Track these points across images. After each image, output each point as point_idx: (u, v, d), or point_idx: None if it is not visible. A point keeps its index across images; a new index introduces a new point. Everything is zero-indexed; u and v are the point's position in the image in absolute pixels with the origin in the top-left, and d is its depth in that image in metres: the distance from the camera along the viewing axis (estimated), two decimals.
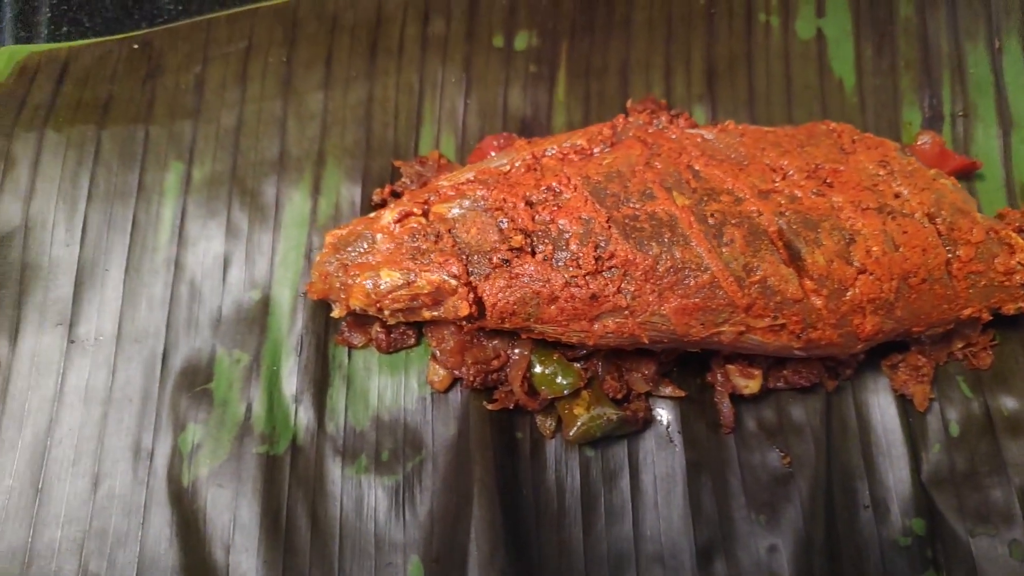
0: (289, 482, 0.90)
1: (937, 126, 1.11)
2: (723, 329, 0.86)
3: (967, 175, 1.07)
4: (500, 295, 0.86)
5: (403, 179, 1.01)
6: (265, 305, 0.98)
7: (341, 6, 1.10)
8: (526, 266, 0.86)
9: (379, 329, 0.96)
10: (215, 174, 1.02)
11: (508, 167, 0.94)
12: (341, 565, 0.88)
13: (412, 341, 0.97)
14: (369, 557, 0.88)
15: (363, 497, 0.91)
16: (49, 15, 1.08)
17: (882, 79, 1.12)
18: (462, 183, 0.93)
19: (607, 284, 0.85)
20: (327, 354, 0.96)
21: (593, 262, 0.85)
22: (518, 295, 0.86)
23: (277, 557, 0.87)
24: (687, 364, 0.97)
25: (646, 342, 0.87)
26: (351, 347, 0.97)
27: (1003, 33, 1.12)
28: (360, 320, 0.97)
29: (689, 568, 0.89)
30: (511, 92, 1.09)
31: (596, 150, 0.95)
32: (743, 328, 0.86)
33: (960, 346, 0.99)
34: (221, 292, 0.98)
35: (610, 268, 0.85)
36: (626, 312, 0.86)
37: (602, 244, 0.85)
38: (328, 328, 0.97)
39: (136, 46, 1.08)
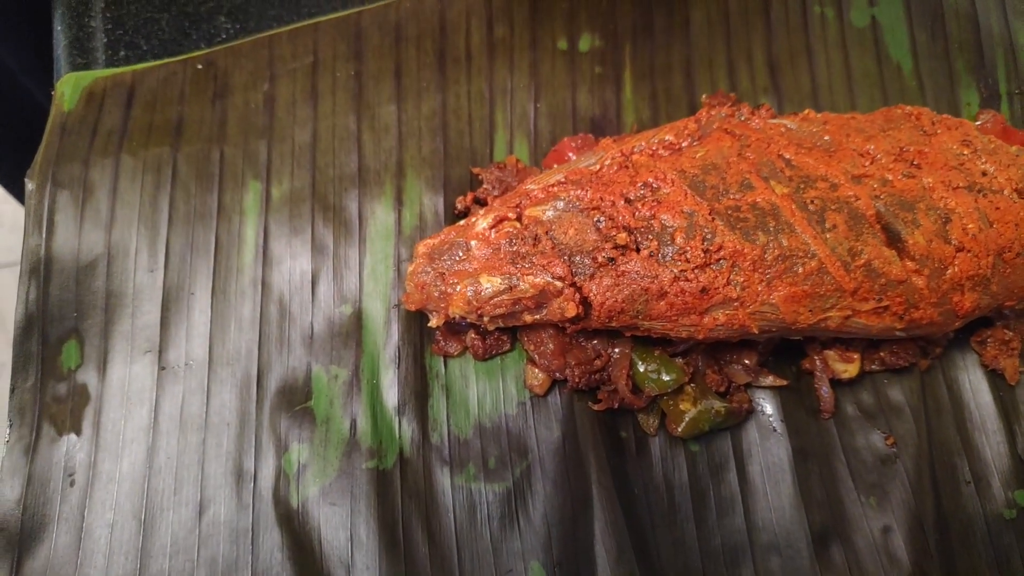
0: (401, 495, 0.89)
1: (994, 105, 1.13)
2: (830, 314, 0.86)
3: None
4: (608, 294, 0.86)
5: (484, 185, 1.01)
6: (358, 319, 0.97)
7: (403, 16, 1.10)
8: (632, 263, 0.86)
9: (474, 336, 0.96)
10: (294, 191, 1.01)
11: (598, 166, 0.94)
12: (462, 575, 0.87)
13: (507, 347, 0.96)
14: (488, 566, 0.87)
15: (475, 506, 0.90)
16: (105, 40, 1.06)
17: (937, 62, 1.13)
18: (552, 185, 0.93)
19: (716, 276, 0.85)
20: (424, 364, 0.96)
21: (702, 255, 0.85)
22: (626, 292, 0.86)
23: (399, 572, 0.86)
24: (782, 353, 0.98)
25: (756, 332, 0.87)
26: (447, 356, 0.96)
27: None
28: (453, 329, 0.97)
29: (807, 555, 0.89)
30: (579, 94, 1.09)
31: (684, 144, 0.96)
32: (849, 312, 0.86)
33: None
34: (311, 309, 0.97)
35: (719, 260, 0.85)
36: (736, 303, 0.86)
37: (708, 236, 0.86)
38: (423, 339, 0.97)
39: (200, 66, 1.07)
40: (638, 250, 0.87)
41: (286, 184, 1.01)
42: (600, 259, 0.87)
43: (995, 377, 0.99)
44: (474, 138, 1.05)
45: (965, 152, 0.93)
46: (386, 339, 0.96)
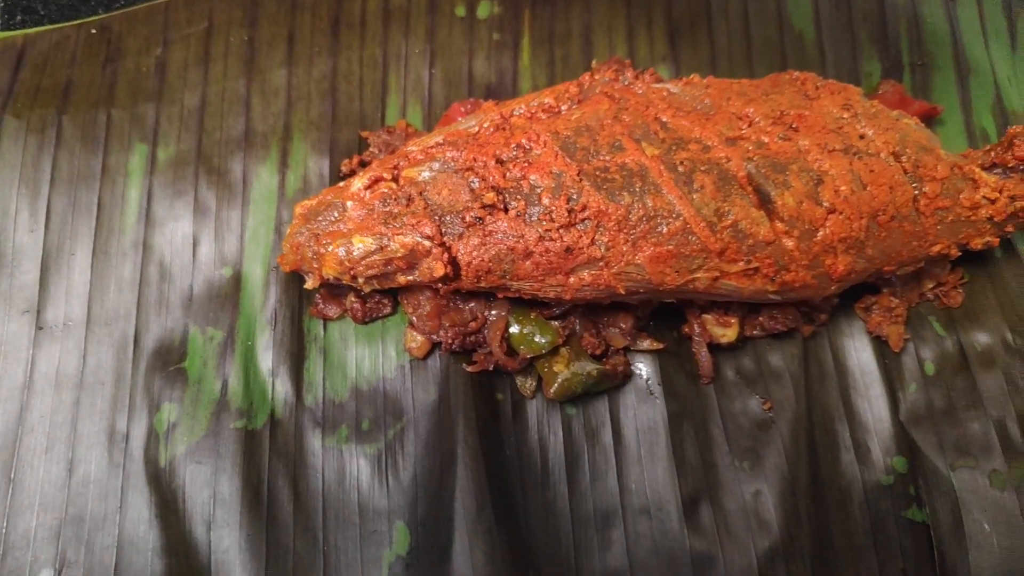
0: (269, 456, 0.89)
1: (896, 76, 1.12)
2: (697, 276, 0.86)
3: (928, 122, 1.09)
4: (475, 253, 0.86)
5: (371, 149, 1.01)
6: (237, 281, 0.96)
7: None
8: (499, 223, 0.86)
9: (354, 299, 0.96)
10: (180, 154, 1.01)
11: (477, 128, 0.94)
12: (325, 535, 0.87)
13: (388, 310, 0.96)
14: (353, 526, 0.87)
15: (345, 467, 0.90)
16: (2, 4, 1.06)
17: (841, 32, 1.13)
18: (431, 147, 0.93)
19: (581, 236, 0.85)
20: (302, 327, 0.95)
21: (566, 215, 0.85)
22: (493, 252, 0.85)
23: (260, 530, 0.85)
24: (664, 317, 0.98)
25: (623, 293, 0.87)
26: (326, 319, 0.96)
27: None
28: (334, 291, 0.96)
29: (676, 519, 0.89)
30: (476, 60, 1.09)
31: (564, 107, 0.96)
32: (717, 273, 0.86)
33: (931, 286, 1.00)
34: (191, 271, 0.97)
35: (583, 220, 0.85)
36: (601, 263, 0.86)
37: (574, 197, 0.85)
38: (302, 301, 0.96)
39: (94, 31, 1.07)
40: (506, 210, 0.87)
41: (172, 147, 1.01)
42: (468, 219, 0.86)
43: (880, 344, 0.99)
44: (365, 103, 1.04)
45: (845, 116, 0.93)
46: (264, 301, 0.95)
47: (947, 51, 1.12)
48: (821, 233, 0.87)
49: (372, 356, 0.95)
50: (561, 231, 0.85)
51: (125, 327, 0.94)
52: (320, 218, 0.91)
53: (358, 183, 0.91)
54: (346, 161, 1.00)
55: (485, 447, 0.88)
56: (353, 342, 0.95)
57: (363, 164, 1.01)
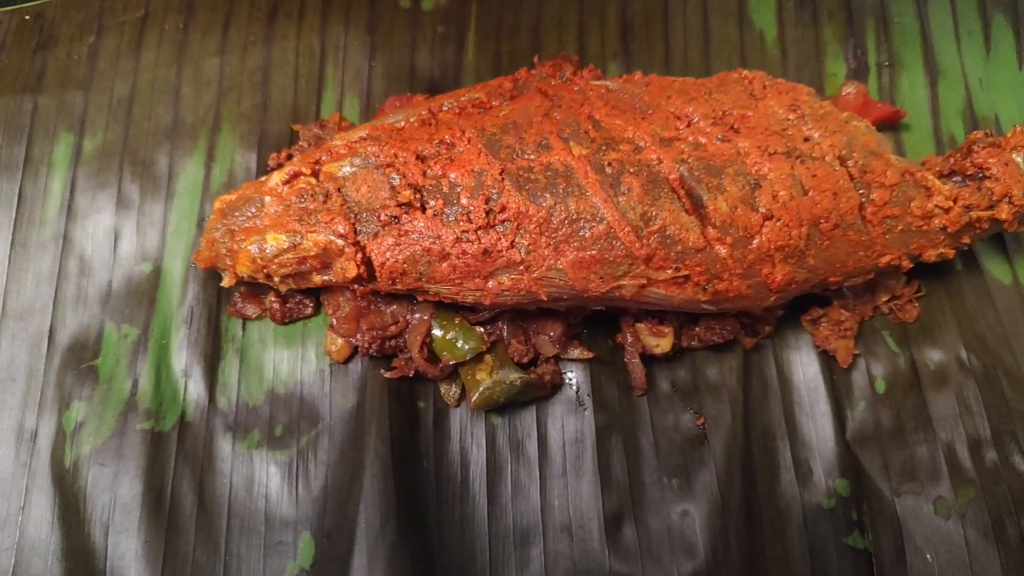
0: (175, 459, 0.86)
1: (862, 77, 1.07)
2: (623, 283, 0.81)
3: (893, 125, 1.04)
4: (388, 254, 0.82)
5: (300, 143, 0.97)
6: (157, 277, 0.93)
7: None
8: (416, 222, 0.82)
9: (273, 299, 0.92)
10: (107, 145, 0.98)
11: (403, 123, 0.90)
12: (228, 544, 0.83)
13: (309, 311, 0.93)
14: (258, 535, 0.84)
15: (254, 473, 0.86)
16: None
17: (804, 30, 1.08)
18: (355, 141, 0.89)
19: (500, 238, 0.81)
20: (219, 326, 0.92)
21: (484, 216, 0.81)
22: (407, 253, 0.82)
23: (158, 537, 0.82)
24: (598, 325, 0.93)
25: (544, 299, 0.83)
26: (244, 318, 0.92)
27: None
28: (255, 290, 0.93)
29: (597, 538, 0.85)
30: (419, 54, 1.05)
31: (496, 103, 0.91)
32: (644, 281, 0.81)
33: (885, 299, 0.95)
34: (111, 265, 0.94)
35: (503, 222, 0.81)
36: (521, 267, 0.81)
37: (494, 197, 0.81)
38: (221, 300, 0.93)
39: (28, 17, 1.04)
40: (423, 209, 0.83)
41: (100, 137, 0.98)
42: (384, 217, 0.83)
43: (829, 359, 0.93)
44: (299, 95, 1.01)
45: (791, 117, 0.88)
46: (182, 298, 0.92)
47: (916, 52, 1.07)
48: (757, 241, 0.82)
49: (291, 358, 0.91)
50: (479, 233, 0.81)
51: (40, 322, 0.92)
52: (238, 214, 0.88)
53: (276, 178, 0.88)
54: (274, 155, 0.97)
55: (398, 457, 0.84)
56: (272, 343, 0.92)
57: (292, 158, 0.97)
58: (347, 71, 1.03)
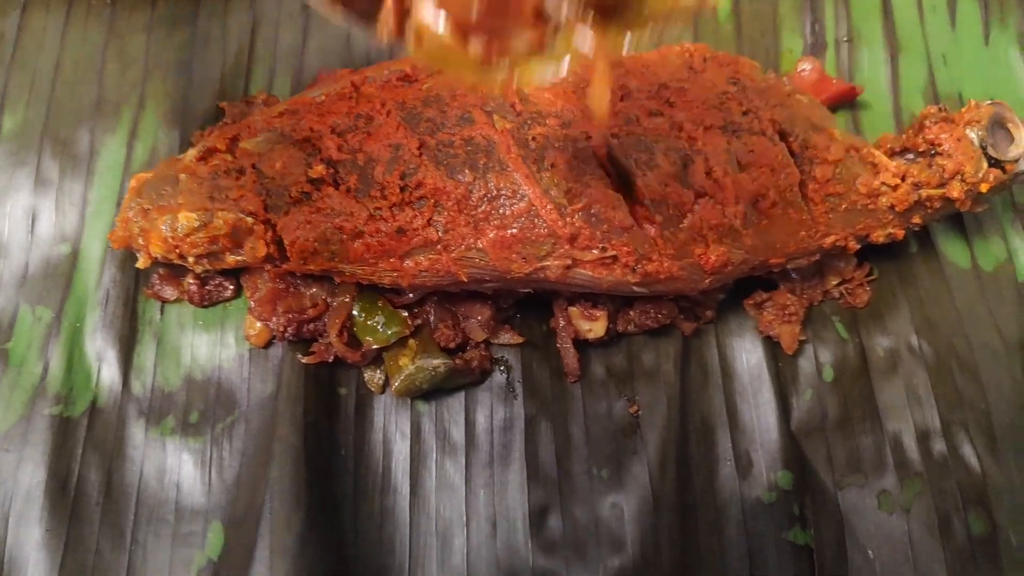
0: (84, 446, 0.82)
1: (820, 53, 1.02)
2: (547, 263, 0.77)
3: (851, 102, 0.99)
4: (299, 232, 0.78)
5: (225, 120, 0.93)
6: (75, 258, 0.90)
7: None
8: (328, 199, 0.78)
9: (191, 280, 0.88)
10: (27, 123, 0.95)
11: (323, 97, 0.86)
12: (135, 534, 0.80)
13: (229, 293, 0.89)
14: (168, 525, 0.80)
15: (166, 461, 0.83)
16: None
17: (760, 4, 1.03)
18: (274, 116, 0.85)
19: (415, 216, 0.77)
20: (136, 309, 0.88)
21: (399, 192, 0.77)
22: (318, 231, 0.78)
23: (61, 526, 0.79)
24: (532, 309, 0.89)
25: (465, 280, 0.79)
26: (163, 301, 0.89)
27: None
28: (174, 272, 0.89)
29: (522, 530, 0.81)
30: (355, 30, 1.00)
31: (423, 76, 0.87)
32: (569, 261, 0.77)
33: (835, 283, 0.90)
34: (29, 247, 0.90)
35: (419, 199, 0.77)
36: (439, 247, 0.77)
37: (410, 172, 0.77)
38: (139, 281, 0.89)
39: None
40: (336, 185, 0.79)
41: (20, 115, 0.95)
42: (295, 194, 0.79)
43: (774, 345, 0.89)
44: (227, 72, 0.97)
45: (730, 90, 0.84)
46: (99, 280, 0.89)
47: (877, 27, 1.02)
48: (688, 219, 0.78)
49: (210, 343, 0.88)
50: (393, 210, 0.77)
51: None
52: (153, 192, 0.84)
53: (191, 154, 0.84)
54: (198, 133, 0.93)
55: (312, 446, 0.80)
56: (191, 327, 0.88)
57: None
58: (280, 47, 0.99)
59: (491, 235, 0.76)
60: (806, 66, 0.98)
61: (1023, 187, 0.95)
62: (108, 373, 0.86)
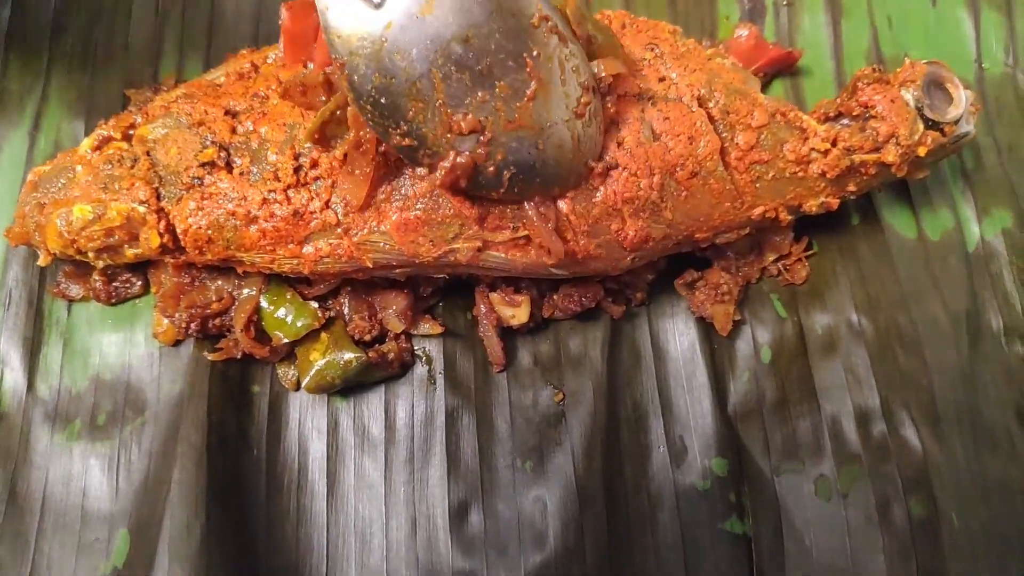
0: None
1: (759, 18, 0.98)
2: (456, 246, 0.73)
3: (790, 68, 0.94)
4: (192, 219, 0.74)
5: (130, 108, 0.89)
6: None
7: None
8: (220, 184, 0.74)
9: (97, 277, 0.85)
10: None
11: (222, 78, 0.82)
12: (39, 543, 0.76)
13: (136, 289, 0.85)
14: (73, 532, 0.77)
15: (73, 466, 0.79)
16: None
17: None
18: (172, 101, 0.81)
19: (312, 198, 0.73)
20: (42, 309, 0.85)
21: (292, 173, 0.73)
22: (211, 218, 0.74)
23: None
24: (455, 295, 0.85)
25: (371, 266, 0.75)
26: (69, 300, 0.85)
27: None
28: (80, 269, 0.86)
29: (442, 527, 0.77)
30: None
31: None
32: (479, 243, 0.73)
33: (772, 259, 0.86)
34: None
35: (315, 179, 0.73)
36: (339, 231, 0.73)
37: (305, 152, 0.73)
38: (44, 280, 0.86)
39: None
40: (230, 169, 0.75)
41: None
42: (187, 180, 0.75)
43: (709, 327, 0.85)
44: (134, 58, 0.93)
45: (647, 57, 0.79)
46: (1, 280, 0.85)
47: None
48: (601, 193, 0.73)
49: (120, 342, 0.84)
50: (288, 192, 0.73)
51: None
52: (49, 185, 0.80)
53: (86, 144, 0.80)
54: (102, 123, 0.89)
55: (216, 446, 0.77)
56: (99, 326, 0.85)
57: None
58: (188, 31, 0.95)
59: (393, 217, 0.72)
60: (742, 32, 0.93)
61: (972, 151, 0.90)
62: (12, 376, 0.82)
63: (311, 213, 0.73)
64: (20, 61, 0.93)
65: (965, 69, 0.94)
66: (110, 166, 0.78)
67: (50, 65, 0.93)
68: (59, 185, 0.80)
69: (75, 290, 0.85)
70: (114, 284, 0.85)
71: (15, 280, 0.85)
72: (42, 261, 0.82)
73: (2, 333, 0.83)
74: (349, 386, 0.81)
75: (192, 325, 0.80)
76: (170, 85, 0.91)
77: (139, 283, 0.85)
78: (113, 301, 0.85)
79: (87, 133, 0.90)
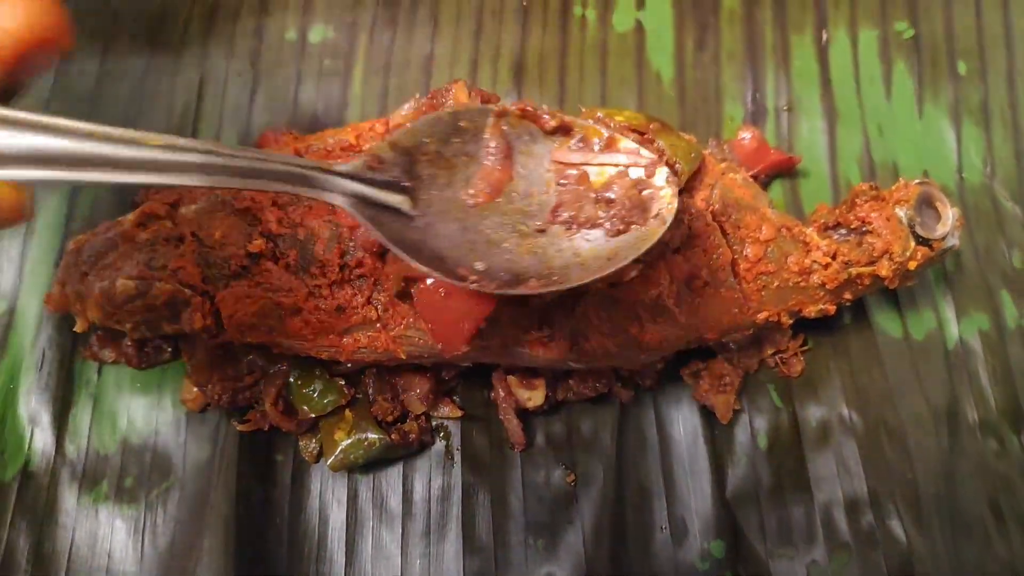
0: (13, 512, 0.82)
1: (761, 121, 1.05)
2: (488, 343, 0.78)
3: (789, 172, 1.02)
4: (237, 306, 0.78)
5: None
6: (10, 317, 0.89)
7: (123, 2, 1.02)
8: (267, 274, 0.78)
9: (129, 343, 0.88)
10: None
11: None
12: None
13: (167, 356, 0.88)
14: None
15: (99, 528, 0.82)
16: None
17: (703, 72, 1.06)
18: None
19: (355, 294, 0.77)
20: (73, 371, 0.88)
21: (338, 270, 0.77)
22: (257, 306, 0.78)
23: None
24: (473, 377, 0.90)
25: (404, 358, 0.79)
26: (100, 362, 0.88)
27: (831, 25, 1.07)
28: (113, 334, 0.88)
29: None
30: (303, 88, 1.01)
31: (366, 148, 0.88)
32: (509, 341, 0.78)
33: (771, 352, 0.93)
34: None
35: (359, 277, 0.77)
36: (378, 325, 0.78)
37: (350, 250, 0.78)
38: (76, 342, 0.89)
39: None
40: (276, 260, 0.79)
41: None
42: (234, 267, 0.79)
43: (711, 414, 0.91)
44: (172, 128, 0.97)
45: None
46: (35, 341, 0.88)
47: (815, 96, 1.05)
48: (622, 300, 0.79)
49: (147, 406, 0.87)
50: (333, 288, 0.77)
51: None
52: (91, 255, 0.84)
53: (130, 219, 0.84)
54: (141, 192, 0.93)
55: (244, 514, 0.80)
56: (128, 389, 0.88)
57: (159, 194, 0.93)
58: (226, 104, 0.99)
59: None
60: (746, 135, 1.00)
61: (953, 256, 0.98)
62: (41, 436, 0.85)
63: (353, 308, 0.77)
64: None
65: (947, 177, 1.02)
66: (155, 243, 0.82)
67: None
68: (101, 257, 0.83)
69: (107, 354, 0.88)
70: (145, 350, 0.88)
71: (48, 341, 0.88)
72: (79, 328, 0.84)
73: (34, 392, 0.86)
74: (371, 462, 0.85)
75: (224, 396, 0.84)
76: None
77: (169, 350, 0.88)
78: (143, 366, 0.88)
79: (125, 200, 0.93)
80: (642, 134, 0.81)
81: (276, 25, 1.03)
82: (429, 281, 0.72)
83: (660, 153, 0.78)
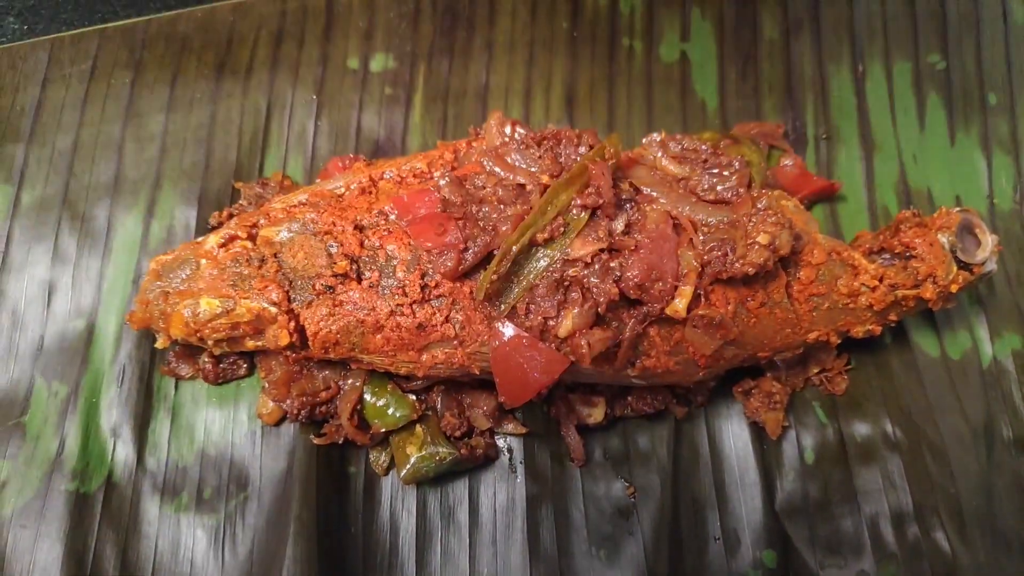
0: (99, 522, 0.85)
1: (801, 149, 1.10)
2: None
3: (829, 197, 1.06)
4: (322, 323, 0.82)
5: (241, 201, 0.97)
6: (90, 334, 0.93)
7: (192, 27, 1.07)
8: (351, 293, 0.82)
9: (207, 359, 0.92)
10: (46, 198, 0.98)
11: (343, 189, 0.90)
12: None
13: (243, 371, 0.92)
14: None
15: (180, 537, 0.85)
16: None
17: (745, 101, 1.10)
18: (294, 206, 0.90)
19: (434, 313, 0.81)
20: (151, 385, 0.91)
21: (419, 290, 0.81)
22: (341, 324, 0.82)
23: None
24: None
25: (477, 373, 0.83)
26: (178, 378, 0.92)
27: (866, 57, 1.12)
28: (190, 349, 0.93)
29: None
30: (365, 114, 1.06)
31: (437, 174, 0.92)
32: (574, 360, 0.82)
33: (816, 371, 0.97)
34: (44, 320, 0.93)
35: (438, 296, 0.81)
36: (455, 343, 0.82)
37: (430, 272, 0.82)
38: (154, 358, 0.92)
39: None
40: (359, 280, 0.83)
41: (39, 190, 0.98)
42: (319, 287, 0.83)
43: (760, 429, 0.95)
44: (243, 153, 1.01)
45: None
46: (114, 356, 0.91)
47: (853, 125, 1.10)
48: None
49: (223, 419, 0.91)
50: (414, 307, 0.81)
51: None
52: (172, 275, 0.88)
53: (213, 240, 0.88)
54: (215, 213, 0.97)
55: (323, 524, 0.84)
56: (205, 404, 0.91)
57: (232, 217, 0.97)
58: (292, 130, 1.04)
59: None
60: (788, 162, 1.05)
61: (987, 280, 1.02)
62: (123, 449, 0.88)
63: (433, 326, 0.81)
64: (135, 148, 1.00)
65: (979, 203, 1.07)
66: (237, 264, 0.86)
67: (163, 154, 1.00)
68: (183, 276, 0.87)
69: (184, 369, 0.92)
70: (222, 365, 0.92)
71: (128, 357, 0.92)
72: (160, 344, 0.88)
73: (115, 406, 0.90)
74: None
75: (303, 411, 0.87)
76: (278, 181, 0.99)
77: (245, 366, 0.92)
78: (220, 381, 0.92)
79: (199, 221, 0.97)
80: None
81: (338, 53, 1.07)
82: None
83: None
